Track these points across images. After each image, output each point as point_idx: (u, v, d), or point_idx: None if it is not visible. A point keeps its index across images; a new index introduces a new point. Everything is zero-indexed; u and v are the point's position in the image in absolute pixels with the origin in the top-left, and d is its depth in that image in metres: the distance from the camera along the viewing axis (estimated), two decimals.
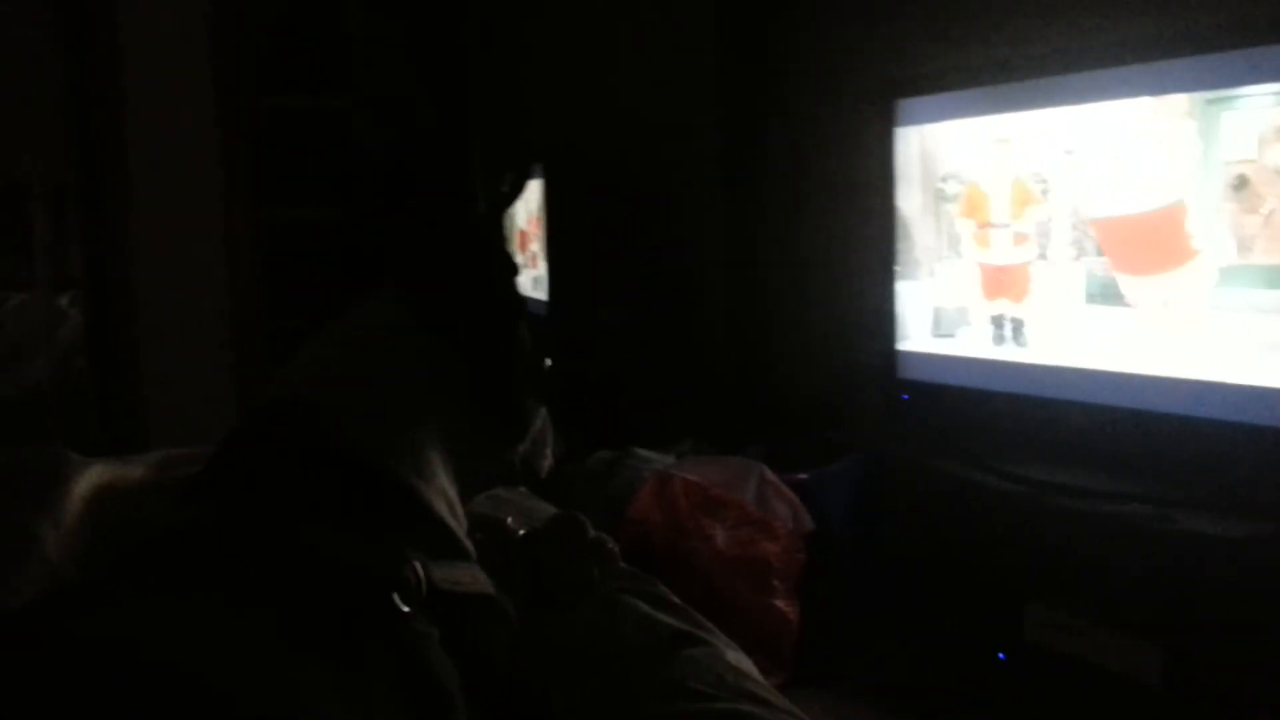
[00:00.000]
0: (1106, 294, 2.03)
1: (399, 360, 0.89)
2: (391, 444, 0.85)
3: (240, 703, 0.62)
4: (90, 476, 1.34)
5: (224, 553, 0.74)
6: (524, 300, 0.99)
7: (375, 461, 0.83)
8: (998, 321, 2.25)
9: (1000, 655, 2.13)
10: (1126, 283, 2.00)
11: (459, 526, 0.89)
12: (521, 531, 1.23)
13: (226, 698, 0.62)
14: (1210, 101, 1.86)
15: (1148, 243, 1.97)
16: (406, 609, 0.76)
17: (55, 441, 3.16)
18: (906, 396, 2.47)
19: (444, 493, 0.88)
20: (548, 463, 1.08)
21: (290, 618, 0.70)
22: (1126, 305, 2.00)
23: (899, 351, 2.47)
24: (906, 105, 2.41)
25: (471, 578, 0.86)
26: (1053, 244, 2.12)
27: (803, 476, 2.48)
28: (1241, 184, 1.81)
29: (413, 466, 0.85)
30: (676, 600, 1.16)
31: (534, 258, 3.69)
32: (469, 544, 0.89)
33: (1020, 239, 2.18)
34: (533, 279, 3.72)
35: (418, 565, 0.79)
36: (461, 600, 0.83)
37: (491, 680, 0.82)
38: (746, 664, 1.02)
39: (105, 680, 0.61)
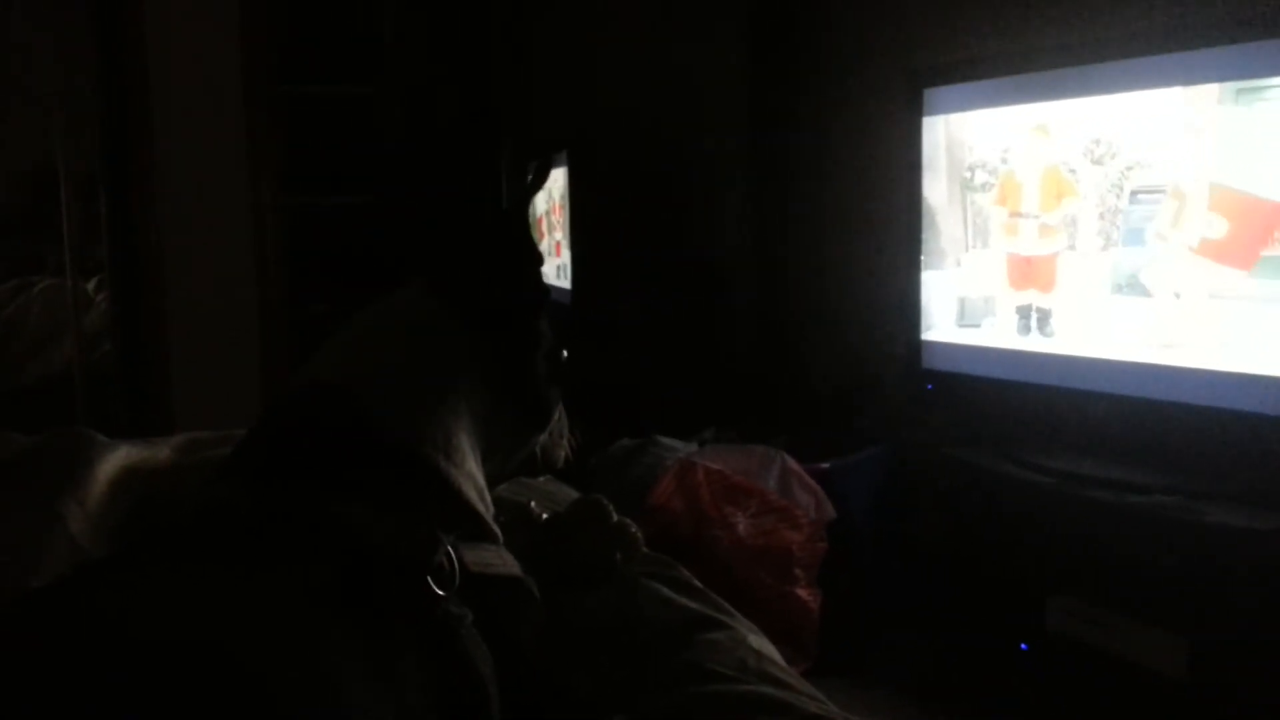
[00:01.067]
0: (1133, 285, 2.01)
1: (426, 347, 0.90)
2: (421, 428, 0.85)
3: (271, 677, 0.62)
4: (116, 458, 1.35)
5: (255, 530, 0.74)
6: (547, 291, 1.00)
7: (405, 444, 0.83)
8: (1023, 312, 2.23)
9: (1023, 646, 2.12)
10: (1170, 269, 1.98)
11: (487, 510, 0.90)
12: (544, 515, 1.24)
13: (257, 673, 0.62)
14: (1242, 91, 1.83)
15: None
16: (441, 593, 0.76)
17: (82, 425, 3.19)
18: (930, 386, 2.46)
19: (473, 476, 0.89)
20: (563, 453, 1.08)
21: (322, 596, 0.70)
22: (1152, 296, 1.98)
23: (923, 341, 2.46)
24: (933, 94, 2.39)
25: (501, 560, 0.86)
26: (1081, 234, 2.10)
27: (825, 466, 2.47)
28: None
29: (442, 450, 0.86)
30: (698, 584, 1.16)
31: (557, 245, 3.69)
32: (496, 527, 0.89)
33: (1050, 230, 2.16)
34: (556, 267, 3.72)
35: (450, 549, 0.79)
36: (492, 582, 0.83)
37: (519, 663, 0.82)
38: (769, 648, 1.02)
39: (131, 655, 0.61)
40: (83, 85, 3.35)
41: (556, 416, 1.04)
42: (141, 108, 3.25)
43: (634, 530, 1.22)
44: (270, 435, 0.86)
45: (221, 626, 0.64)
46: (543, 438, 1.02)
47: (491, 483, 0.94)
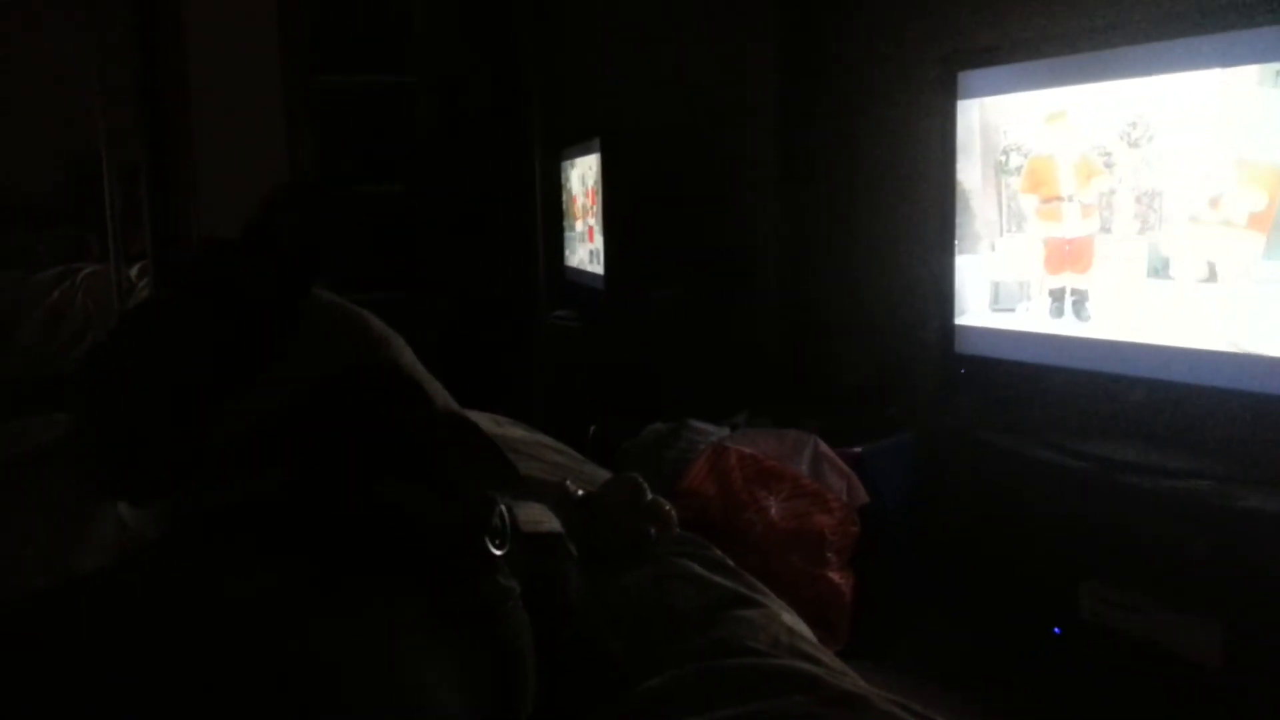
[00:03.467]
0: (1169, 268, 2.00)
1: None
2: (446, 400, 0.88)
3: (326, 650, 0.63)
4: None
5: (306, 512, 0.76)
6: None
7: (444, 411, 0.86)
8: (1057, 295, 2.22)
9: (1056, 631, 2.12)
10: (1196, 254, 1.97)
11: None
12: (579, 493, 1.26)
13: (312, 649, 0.63)
14: None
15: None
16: (498, 553, 0.78)
17: None
18: (964, 371, 2.46)
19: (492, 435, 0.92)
20: None
21: (375, 571, 0.71)
22: (1188, 279, 1.97)
23: (957, 326, 2.45)
24: (968, 77, 2.38)
25: (545, 517, 0.88)
26: (1117, 217, 2.09)
27: (858, 450, 2.48)
28: None
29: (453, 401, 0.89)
30: (731, 564, 1.18)
31: (589, 230, 3.71)
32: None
33: (1086, 211, 2.15)
34: (589, 252, 3.74)
35: (503, 508, 0.80)
36: (539, 541, 0.85)
37: (561, 624, 0.84)
38: (801, 626, 1.03)
39: (182, 635, 0.62)
40: (124, 76, 3.40)
41: None
42: (181, 98, 3.30)
43: (668, 509, 1.23)
44: (311, 417, 0.87)
45: (274, 606, 0.65)
46: None
47: None
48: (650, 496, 1.23)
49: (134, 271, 3.74)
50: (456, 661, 0.71)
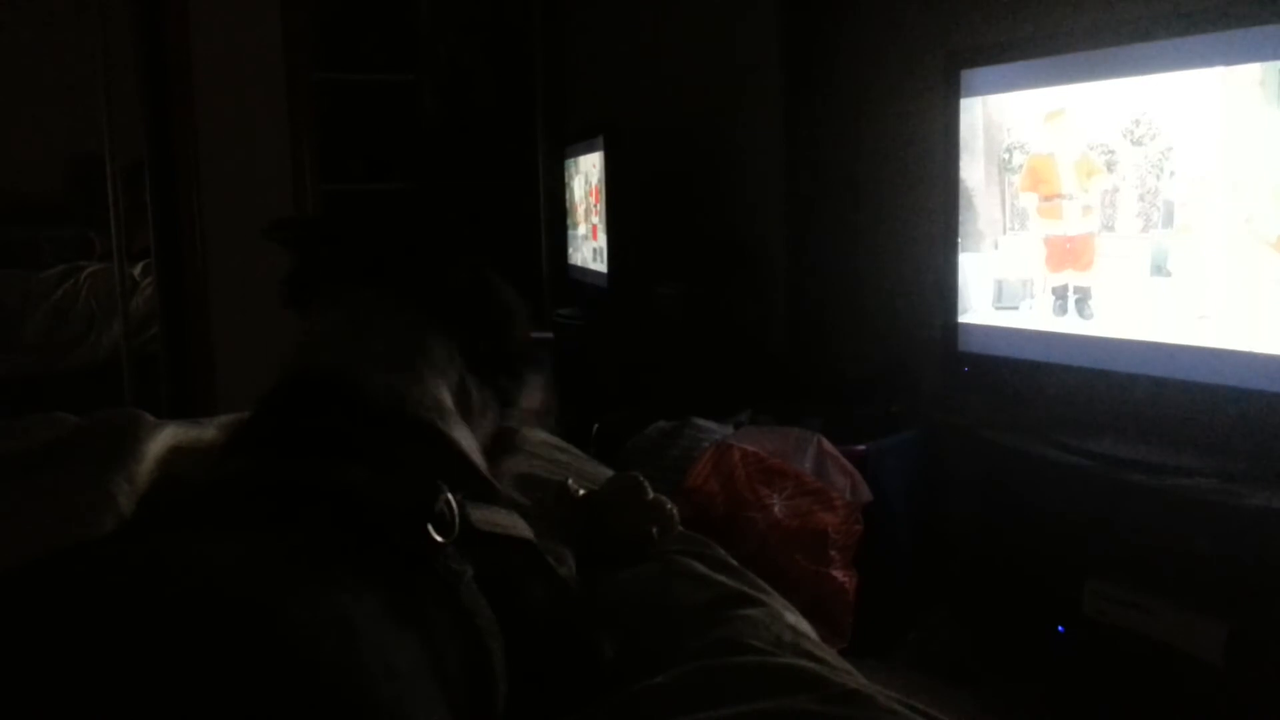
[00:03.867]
0: (1172, 266, 2.00)
1: (395, 331, 0.95)
2: (411, 394, 0.90)
3: (283, 616, 0.63)
4: (164, 437, 1.39)
5: (262, 496, 0.77)
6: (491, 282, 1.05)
7: (402, 410, 0.88)
8: (1060, 293, 2.22)
9: (1059, 629, 2.12)
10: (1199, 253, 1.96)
11: (484, 469, 0.93)
12: (581, 491, 1.25)
13: (269, 612, 0.63)
14: None
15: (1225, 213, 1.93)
16: (440, 539, 0.78)
17: (130, 406, 3.27)
18: (967, 369, 2.46)
19: (467, 437, 0.93)
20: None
21: (328, 548, 0.72)
22: (1190, 276, 1.97)
23: (960, 324, 2.45)
24: (972, 75, 2.38)
25: (511, 522, 0.88)
26: (1119, 216, 2.09)
27: (861, 448, 2.48)
28: None
29: (434, 411, 0.90)
30: (734, 562, 1.18)
31: (594, 229, 3.71)
32: (510, 494, 0.91)
33: (1087, 209, 2.15)
34: (592, 250, 3.74)
35: (451, 499, 0.81)
36: (499, 543, 0.85)
37: (529, 623, 0.84)
38: (805, 625, 1.03)
39: (143, 609, 0.62)
40: (128, 74, 3.40)
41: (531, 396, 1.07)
42: (186, 96, 3.30)
43: (670, 507, 1.23)
44: (270, 416, 0.89)
45: (228, 574, 0.66)
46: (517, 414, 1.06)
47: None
48: (652, 495, 1.23)
49: (138, 270, 3.74)
50: (431, 633, 0.72)
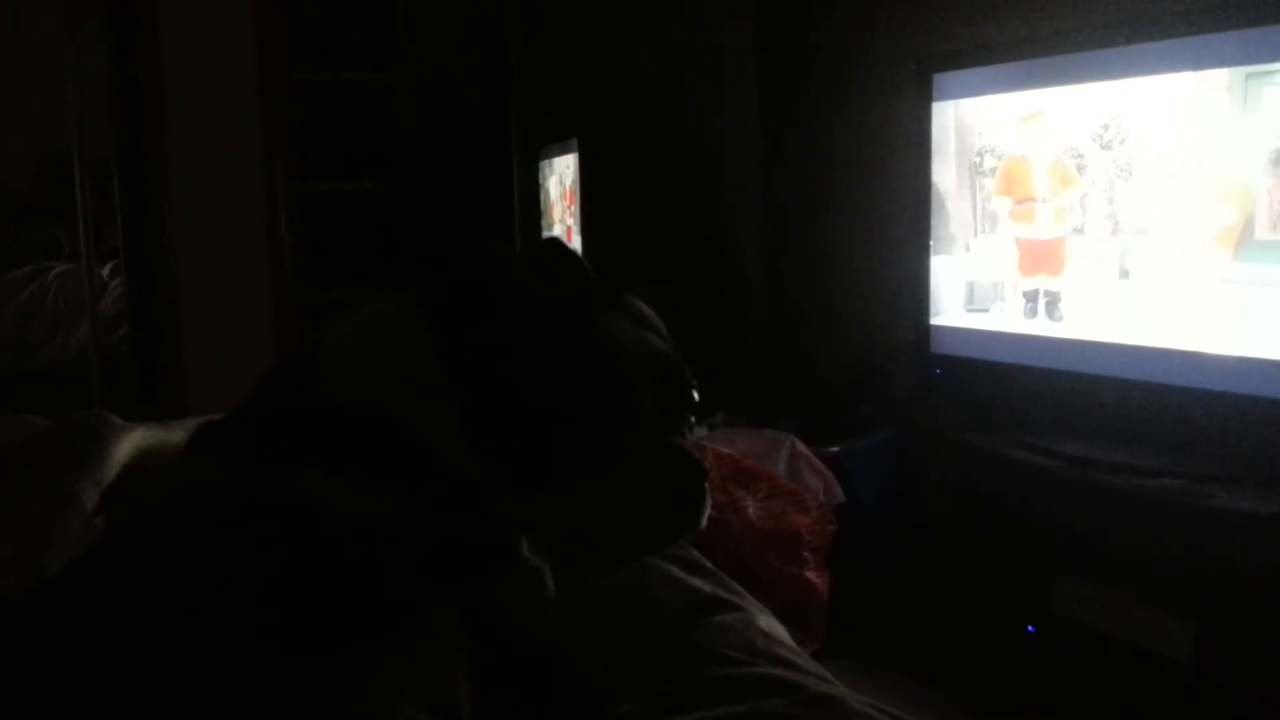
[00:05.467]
0: (1140, 269, 2.02)
1: (398, 334, 0.86)
2: (394, 395, 0.81)
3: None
4: (131, 440, 1.38)
5: (221, 505, 0.74)
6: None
7: (373, 409, 0.80)
8: (1030, 296, 2.24)
9: (1029, 629, 2.14)
10: (1162, 255, 1.99)
11: (477, 474, 0.83)
12: None
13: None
14: (1251, 76, 1.84)
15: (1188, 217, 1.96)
16: (406, 565, 0.74)
17: (97, 408, 3.24)
18: (939, 371, 2.48)
19: (455, 439, 0.83)
20: None
21: (289, 571, 0.70)
22: (1159, 280, 1.99)
23: (932, 326, 2.47)
24: (943, 79, 2.40)
25: (484, 531, 0.83)
26: (1089, 219, 2.11)
27: (834, 449, 2.49)
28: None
29: (412, 415, 0.81)
30: (708, 565, 1.18)
31: (568, 231, 3.71)
32: (493, 490, 0.85)
33: (1059, 213, 2.17)
34: None
35: (426, 520, 0.77)
36: (476, 553, 0.80)
37: (513, 662, 0.80)
38: (779, 629, 1.04)
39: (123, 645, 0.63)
40: (97, 72, 3.37)
41: None
42: (156, 94, 3.27)
43: None
44: (241, 411, 0.86)
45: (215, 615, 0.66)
46: None
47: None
48: None
49: (106, 270, 3.71)
50: (393, 670, 0.70)
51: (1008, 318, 2.30)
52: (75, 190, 3.44)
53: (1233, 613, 1.81)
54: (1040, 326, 2.23)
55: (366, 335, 0.86)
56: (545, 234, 4.08)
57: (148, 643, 0.64)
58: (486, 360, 0.83)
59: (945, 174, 2.41)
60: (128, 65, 3.30)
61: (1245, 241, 1.85)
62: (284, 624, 0.67)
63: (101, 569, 0.74)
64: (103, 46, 3.34)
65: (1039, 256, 2.22)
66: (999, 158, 2.29)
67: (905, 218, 2.57)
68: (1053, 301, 2.20)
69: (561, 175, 3.74)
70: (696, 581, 1.10)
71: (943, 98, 2.40)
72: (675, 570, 1.13)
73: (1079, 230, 2.13)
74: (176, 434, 1.43)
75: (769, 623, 1.05)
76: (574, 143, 3.47)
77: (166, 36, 3.24)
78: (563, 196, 3.76)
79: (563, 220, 3.80)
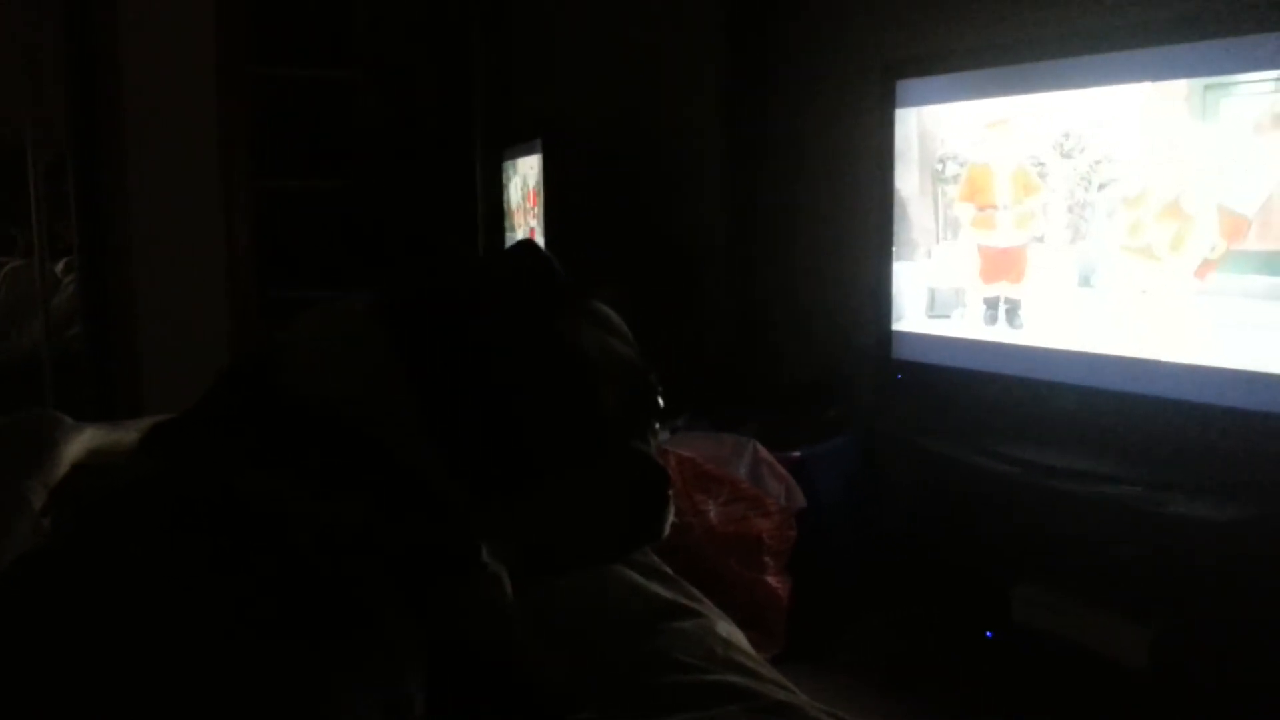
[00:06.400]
0: (1098, 278, 2.04)
1: (359, 336, 0.83)
2: (354, 399, 0.79)
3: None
4: (81, 440, 1.35)
5: (168, 504, 0.73)
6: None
7: (332, 412, 0.78)
8: (991, 303, 2.26)
9: (988, 634, 2.15)
10: (1125, 265, 2.01)
11: (437, 479, 0.80)
12: None
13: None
14: (1209, 87, 1.86)
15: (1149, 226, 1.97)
16: (357, 569, 0.72)
17: (49, 407, 3.18)
18: (900, 376, 2.48)
19: (414, 444, 0.80)
20: None
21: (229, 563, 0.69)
22: (1118, 288, 2.01)
23: (894, 332, 2.47)
24: (906, 86, 2.41)
25: (440, 535, 0.81)
26: (1050, 227, 2.13)
27: (796, 454, 2.49)
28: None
29: (369, 416, 0.79)
30: (668, 570, 1.17)
31: (531, 233, 3.69)
32: (453, 495, 0.83)
33: (1019, 221, 2.18)
34: None
35: (378, 525, 0.75)
36: (433, 558, 0.78)
37: (466, 648, 0.79)
38: (737, 635, 1.03)
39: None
40: (52, 66, 3.31)
41: None
42: (113, 89, 3.21)
43: None
44: (193, 410, 0.84)
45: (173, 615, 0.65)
46: None
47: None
48: None
49: (60, 266, 3.64)
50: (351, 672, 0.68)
51: (969, 324, 2.31)
52: (28, 185, 3.38)
53: (1189, 619, 1.83)
54: (1001, 333, 2.25)
55: (327, 336, 0.84)
56: (509, 235, 4.06)
57: (90, 640, 0.63)
58: (447, 364, 0.80)
59: (908, 180, 2.42)
60: (84, 61, 3.24)
61: (1204, 251, 1.87)
62: (229, 623, 0.65)
63: (41, 567, 0.72)
64: (58, 41, 3.28)
65: (1000, 264, 2.23)
66: (962, 165, 2.30)
67: (868, 223, 2.58)
68: (1013, 309, 2.22)
69: (525, 176, 3.72)
70: (656, 587, 1.09)
71: (906, 104, 2.40)
72: (635, 576, 1.12)
73: (1040, 238, 2.15)
74: (129, 434, 1.40)
75: (728, 629, 1.04)
76: (538, 144, 3.45)
77: (123, 31, 3.18)
78: (526, 198, 3.74)
79: (526, 221, 3.78)
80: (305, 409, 0.78)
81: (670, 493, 0.87)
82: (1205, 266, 1.87)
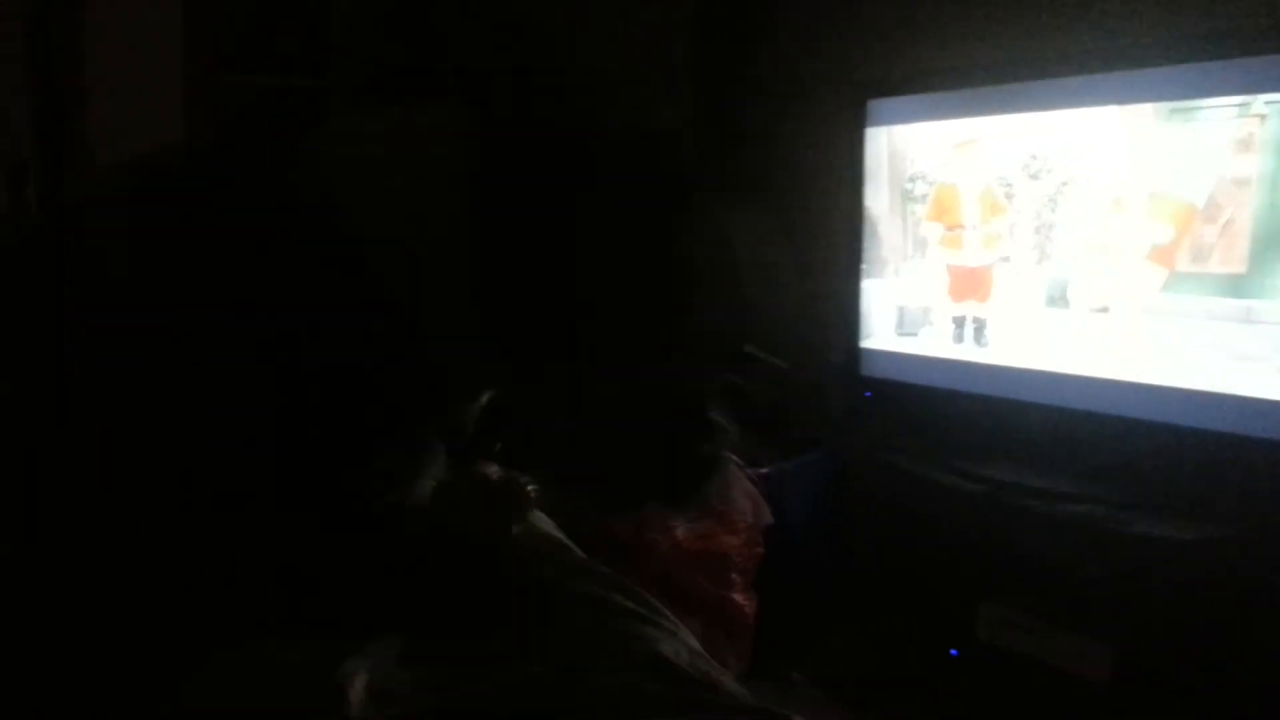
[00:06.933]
0: (1063, 298, 2.06)
1: (434, 176, 0.80)
2: (415, 250, 0.78)
3: None
4: None
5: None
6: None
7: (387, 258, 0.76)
8: (959, 322, 2.27)
9: (953, 652, 2.15)
10: (1089, 284, 2.02)
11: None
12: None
13: None
14: (1175, 111, 1.88)
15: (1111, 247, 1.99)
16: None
17: None
18: (869, 394, 2.49)
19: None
20: None
21: None
22: (1084, 309, 2.03)
23: (863, 349, 2.48)
24: (877, 106, 2.42)
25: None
26: (1017, 247, 2.14)
27: (764, 471, 2.48)
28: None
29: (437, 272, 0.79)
30: (627, 583, 1.16)
31: None
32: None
33: (986, 240, 2.20)
34: None
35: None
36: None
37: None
38: (694, 644, 1.02)
39: None
40: (15, 73, 3.27)
41: None
42: (77, 97, 3.18)
43: (521, 482, 1.14)
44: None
45: None
46: None
47: None
48: (498, 476, 1.13)
49: None
50: None
51: (936, 343, 2.33)
52: None
53: (1150, 637, 1.83)
54: (968, 352, 2.26)
55: (394, 169, 0.76)
56: None
57: None
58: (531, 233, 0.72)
59: (878, 199, 2.43)
60: (48, 67, 3.20)
61: (1168, 273, 1.89)
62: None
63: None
64: (22, 47, 3.24)
65: (967, 283, 2.25)
66: (930, 184, 2.32)
67: (838, 241, 2.59)
68: (980, 328, 2.23)
69: None
70: (618, 598, 1.08)
71: (877, 123, 2.42)
72: (596, 589, 1.11)
73: (1006, 259, 2.16)
74: None
75: (687, 637, 1.03)
76: None
77: (89, 36, 3.15)
78: None
79: None
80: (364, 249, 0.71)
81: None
82: (1167, 287, 1.89)
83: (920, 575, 2.25)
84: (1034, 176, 2.10)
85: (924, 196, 2.33)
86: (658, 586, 1.25)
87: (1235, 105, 1.80)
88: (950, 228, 2.27)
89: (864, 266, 2.47)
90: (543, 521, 1.22)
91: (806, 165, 2.89)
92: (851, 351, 2.50)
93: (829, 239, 2.68)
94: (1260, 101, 1.76)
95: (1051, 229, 2.07)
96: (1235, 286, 1.81)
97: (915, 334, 2.38)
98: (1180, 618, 1.79)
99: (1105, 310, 2.00)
